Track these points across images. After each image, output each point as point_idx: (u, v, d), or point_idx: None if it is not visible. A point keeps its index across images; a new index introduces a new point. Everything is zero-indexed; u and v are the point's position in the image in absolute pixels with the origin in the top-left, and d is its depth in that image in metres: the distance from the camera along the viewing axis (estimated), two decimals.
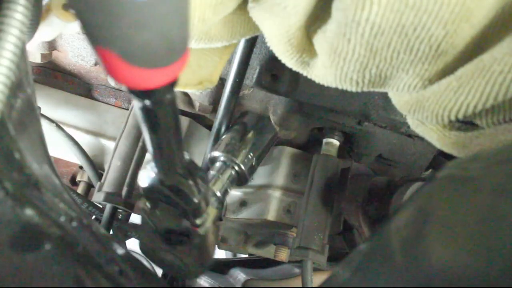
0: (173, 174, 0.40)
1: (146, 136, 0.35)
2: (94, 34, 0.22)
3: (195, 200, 0.41)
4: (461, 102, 0.34)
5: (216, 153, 0.61)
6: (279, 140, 0.82)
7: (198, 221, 0.44)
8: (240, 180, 0.65)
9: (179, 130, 0.35)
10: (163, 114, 0.31)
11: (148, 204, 0.43)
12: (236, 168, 0.62)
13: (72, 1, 0.21)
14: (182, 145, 0.38)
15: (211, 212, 0.47)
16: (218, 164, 0.62)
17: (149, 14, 0.20)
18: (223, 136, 0.62)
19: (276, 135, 0.67)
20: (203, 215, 0.45)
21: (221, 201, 0.61)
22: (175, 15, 0.22)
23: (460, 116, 0.35)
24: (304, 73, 0.43)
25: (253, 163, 0.62)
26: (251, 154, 0.61)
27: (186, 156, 0.41)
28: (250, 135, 0.65)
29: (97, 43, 0.22)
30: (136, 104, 0.30)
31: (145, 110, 0.30)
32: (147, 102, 0.29)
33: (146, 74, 0.24)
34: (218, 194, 0.61)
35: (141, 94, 0.28)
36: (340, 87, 0.41)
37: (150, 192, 0.41)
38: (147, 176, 0.40)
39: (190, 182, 0.41)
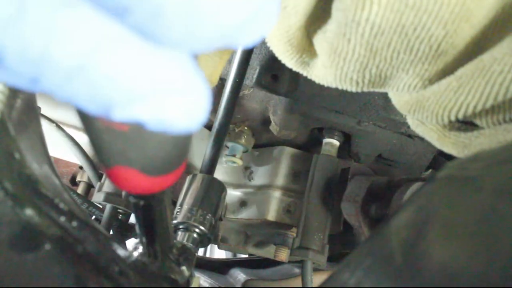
0: (163, 262, 0.43)
1: (140, 230, 0.38)
2: (117, 158, 0.25)
3: (181, 282, 0.44)
4: (461, 102, 0.34)
5: (176, 221, 0.63)
6: (279, 140, 0.82)
7: None
8: (203, 241, 0.64)
9: (169, 222, 0.39)
10: (160, 208, 0.35)
11: None
12: (197, 230, 0.63)
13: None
14: (171, 232, 0.41)
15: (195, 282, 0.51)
16: (180, 232, 0.64)
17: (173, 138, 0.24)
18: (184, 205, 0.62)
19: (224, 190, 0.68)
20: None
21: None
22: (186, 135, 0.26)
23: (460, 116, 0.35)
24: (304, 74, 0.43)
25: (212, 222, 0.64)
26: (209, 214, 0.63)
27: (177, 243, 0.45)
28: (202, 196, 0.65)
29: (117, 163, 0.25)
30: (134, 203, 0.33)
31: (145, 207, 0.34)
32: (148, 201, 0.33)
33: (159, 180, 0.27)
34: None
35: (145, 196, 0.32)
36: (340, 87, 0.41)
37: (144, 275, 0.42)
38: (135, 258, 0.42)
39: (175, 268, 0.44)
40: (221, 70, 0.56)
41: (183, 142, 0.27)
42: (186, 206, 0.63)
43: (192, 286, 0.50)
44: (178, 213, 0.63)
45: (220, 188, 0.66)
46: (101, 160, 0.25)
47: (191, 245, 0.60)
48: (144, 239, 0.40)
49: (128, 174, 0.26)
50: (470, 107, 0.34)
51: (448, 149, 0.42)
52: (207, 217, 0.62)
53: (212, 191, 0.65)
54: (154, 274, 0.39)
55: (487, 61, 0.32)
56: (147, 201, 0.34)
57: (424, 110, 0.38)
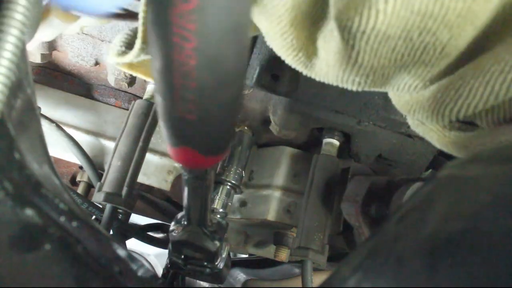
0: (197, 230, 0.55)
1: (188, 200, 0.48)
2: (183, 140, 0.32)
3: (213, 250, 0.57)
4: (461, 102, 0.34)
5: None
6: (279, 140, 0.82)
7: (216, 263, 0.62)
8: (236, 191, 0.81)
9: (210, 198, 0.49)
10: (202, 185, 0.44)
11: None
12: (229, 184, 0.79)
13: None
14: (209, 210, 0.52)
15: (225, 250, 0.64)
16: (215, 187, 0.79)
17: (225, 127, 0.32)
18: None
19: (253, 141, 0.83)
20: (218, 258, 0.62)
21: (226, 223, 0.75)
22: (234, 123, 0.34)
23: (461, 116, 0.35)
24: (304, 72, 0.43)
25: (243, 175, 0.80)
26: (239, 168, 0.79)
27: (214, 219, 0.57)
28: (232, 152, 0.81)
29: (182, 145, 0.32)
30: (189, 177, 0.42)
31: (191, 181, 0.43)
32: (196, 176, 0.41)
33: (209, 160, 0.35)
34: (221, 210, 0.77)
35: (195, 171, 0.40)
36: (341, 86, 0.41)
37: (177, 243, 0.57)
38: (176, 229, 0.56)
39: (215, 242, 0.57)
40: None
41: (232, 132, 0.35)
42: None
43: (224, 254, 0.63)
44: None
45: (247, 139, 0.80)
46: (170, 141, 0.32)
47: (225, 196, 0.77)
48: (188, 213, 0.51)
49: (190, 154, 0.33)
50: (470, 107, 0.34)
51: (448, 149, 0.42)
52: (237, 171, 0.78)
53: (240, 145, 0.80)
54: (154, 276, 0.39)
55: (488, 61, 0.32)
56: (199, 178, 0.42)
57: (424, 110, 0.38)
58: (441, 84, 0.36)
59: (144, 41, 0.41)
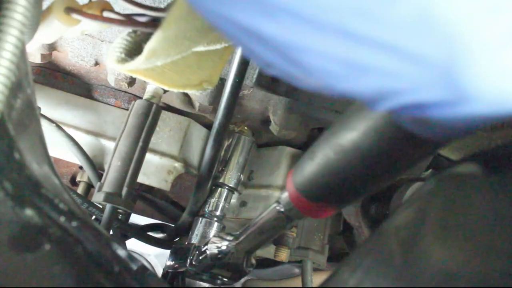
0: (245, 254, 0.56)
1: (266, 230, 0.52)
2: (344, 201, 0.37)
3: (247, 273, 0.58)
4: None
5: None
6: (279, 140, 0.82)
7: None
8: (233, 193, 0.82)
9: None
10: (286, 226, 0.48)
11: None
12: (227, 187, 0.80)
13: None
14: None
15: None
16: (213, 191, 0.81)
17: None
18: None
19: (253, 144, 0.83)
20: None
21: (223, 226, 0.79)
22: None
23: None
24: None
25: (239, 176, 0.81)
26: (238, 172, 0.80)
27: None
28: (229, 154, 0.81)
29: (321, 201, 0.37)
30: (284, 215, 0.46)
31: (287, 222, 0.47)
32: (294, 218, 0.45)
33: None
34: (218, 213, 0.78)
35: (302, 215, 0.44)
36: None
37: (216, 263, 0.58)
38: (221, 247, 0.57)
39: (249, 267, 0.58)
40: (221, 71, 0.56)
41: None
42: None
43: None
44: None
45: (247, 144, 0.81)
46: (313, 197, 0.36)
47: (224, 200, 0.79)
48: (251, 237, 0.54)
49: (329, 210, 0.37)
50: None
51: (445, 152, 0.42)
52: (235, 174, 0.80)
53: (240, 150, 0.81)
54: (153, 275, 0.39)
55: None
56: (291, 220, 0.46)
57: None
58: None
59: (152, 55, 0.41)
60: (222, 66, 0.55)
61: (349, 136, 0.32)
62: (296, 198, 0.37)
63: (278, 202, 0.47)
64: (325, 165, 0.33)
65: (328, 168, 0.34)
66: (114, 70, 0.70)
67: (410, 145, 0.28)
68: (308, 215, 0.40)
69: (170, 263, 0.72)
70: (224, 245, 0.56)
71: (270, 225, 0.47)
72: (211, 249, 0.58)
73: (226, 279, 0.61)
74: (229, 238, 0.57)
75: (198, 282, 0.84)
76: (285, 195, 0.45)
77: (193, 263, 0.64)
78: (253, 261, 0.58)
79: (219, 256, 0.57)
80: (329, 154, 0.32)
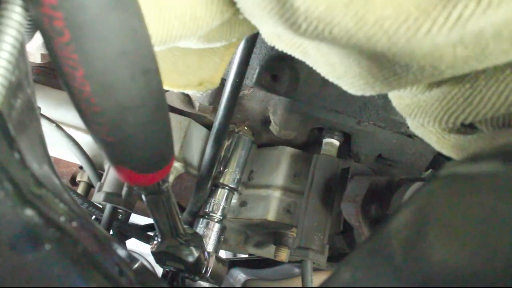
0: (172, 242, 0.57)
1: (153, 215, 0.50)
2: (119, 160, 0.34)
3: (190, 261, 0.59)
4: (470, 110, 0.34)
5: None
6: (279, 140, 0.82)
7: (200, 273, 0.65)
8: (234, 194, 0.82)
9: (175, 210, 0.51)
10: (160, 199, 0.46)
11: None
12: (227, 188, 0.80)
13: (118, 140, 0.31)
14: (178, 220, 0.54)
15: (211, 260, 0.67)
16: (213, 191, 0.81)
17: (152, 146, 0.33)
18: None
19: (252, 143, 0.83)
20: (202, 267, 0.65)
21: (223, 226, 0.78)
22: (164, 140, 0.34)
23: (467, 122, 0.35)
24: (307, 61, 0.42)
25: (239, 176, 0.81)
26: (237, 172, 0.81)
27: (189, 229, 0.60)
28: (229, 155, 0.82)
29: (116, 164, 0.34)
30: (144, 193, 0.44)
31: (148, 198, 0.45)
32: (150, 192, 0.44)
33: (148, 177, 0.36)
34: (219, 214, 0.78)
35: (145, 188, 0.43)
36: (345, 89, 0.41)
37: (157, 255, 0.59)
38: (155, 242, 0.58)
39: (185, 249, 0.59)
40: (222, 72, 0.56)
41: (165, 148, 0.35)
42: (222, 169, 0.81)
43: (211, 263, 0.66)
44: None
45: (245, 142, 0.81)
46: (108, 161, 0.34)
47: (224, 201, 0.79)
48: (158, 227, 0.53)
49: (127, 172, 0.35)
50: (479, 115, 0.34)
51: (447, 151, 0.41)
52: (234, 173, 0.80)
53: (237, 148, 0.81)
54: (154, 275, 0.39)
55: (502, 70, 0.32)
56: (151, 193, 0.45)
57: (426, 115, 0.38)
58: (445, 89, 0.35)
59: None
60: (224, 67, 0.54)
61: None
62: (115, 172, 0.38)
63: None
64: None
65: None
66: None
67: None
68: (132, 183, 0.39)
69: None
70: (153, 245, 0.60)
71: (154, 208, 0.48)
72: (151, 250, 0.61)
73: (187, 272, 0.64)
74: (153, 237, 0.60)
75: (198, 282, 0.84)
76: None
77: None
78: (191, 250, 0.59)
79: (154, 251, 0.60)
80: None
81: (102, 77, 0.26)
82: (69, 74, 0.25)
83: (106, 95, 0.27)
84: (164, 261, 0.61)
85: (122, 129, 0.30)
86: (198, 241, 0.61)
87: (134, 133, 0.31)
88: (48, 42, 0.24)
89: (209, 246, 0.76)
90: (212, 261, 0.67)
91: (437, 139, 0.41)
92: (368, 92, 0.39)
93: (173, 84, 0.51)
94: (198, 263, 0.61)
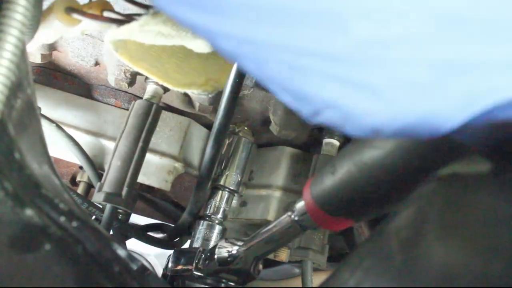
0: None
1: (277, 238, 0.52)
2: (341, 212, 0.38)
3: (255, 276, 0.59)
4: None
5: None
6: (279, 140, 0.82)
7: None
8: (234, 195, 0.82)
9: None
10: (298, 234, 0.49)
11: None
12: (228, 190, 0.79)
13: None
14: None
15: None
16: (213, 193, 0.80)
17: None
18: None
19: (252, 144, 0.82)
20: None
21: (224, 228, 0.79)
22: None
23: None
24: None
25: (240, 178, 0.80)
26: (237, 174, 0.80)
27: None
28: (230, 156, 0.80)
29: (340, 216, 0.38)
30: (299, 226, 0.46)
31: (302, 230, 0.47)
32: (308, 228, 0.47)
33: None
34: (219, 216, 0.77)
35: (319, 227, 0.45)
36: None
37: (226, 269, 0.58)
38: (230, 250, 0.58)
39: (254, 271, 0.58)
40: (229, 72, 0.55)
41: None
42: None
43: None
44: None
45: (245, 144, 0.81)
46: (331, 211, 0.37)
47: (225, 203, 0.78)
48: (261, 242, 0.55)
49: (345, 223, 0.38)
50: None
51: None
52: (233, 175, 0.79)
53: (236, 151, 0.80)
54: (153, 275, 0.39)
55: None
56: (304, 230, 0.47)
57: None
58: None
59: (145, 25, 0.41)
60: (230, 68, 0.54)
61: (374, 154, 0.33)
62: (313, 210, 0.38)
63: (292, 210, 0.47)
64: (348, 181, 0.34)
65: (350, 185, 0.35)
66: (115, 70, 0.70)
67: (439, 157, 0.29)
68: (323, 227, 0.40)
69: (174, 266, 0.72)
70: (234, 249, 0.57)
71: (282, 233, 0.48)
72: (221, 253, 0.58)
73: (232, 283, 0.61)
74: (239, 243, 0.57)
75: (198, 282, 0.84)
76: (301, 204, 0.45)
77: (199, 266, 0.64)
78: (260, 266, 0.58)
79: (228, 260, 0.57)
80: (352, 171, 0.33)
81: None
82: None
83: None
84: (223, 271, 0.60)
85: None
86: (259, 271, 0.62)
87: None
88: None
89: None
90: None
91: None
92: None
93: (178, 83, 0.51)
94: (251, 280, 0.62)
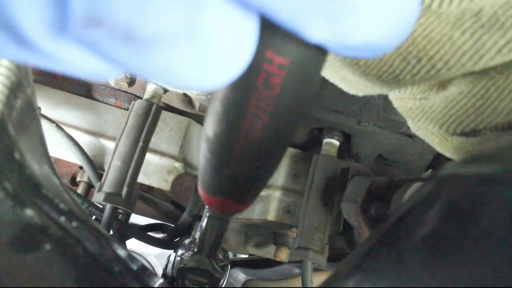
0: (203, 260, 0.59)
1: (205, 233, 0.53)
2: (226, 192, 0.35)
3: (219, 281, 0.60)
4: (481, 119, 0.34)
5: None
6: None
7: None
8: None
9: (223, 237, 0.54)
10: (222, 225, 0.50)
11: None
12: None
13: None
14: (220, 247, 0.56)
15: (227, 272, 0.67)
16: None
17: (265, 181, 0.34)
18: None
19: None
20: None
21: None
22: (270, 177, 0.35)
23: (472, 126, 0.35)
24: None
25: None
26: None
27: (224, 252, 0.62)
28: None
29: (221, 195, 0.35)
30: (213, 216, 0.48)
31: (212, 220, 0.49)
32: (219, 217, 0.48)
33: (243, 207, 0.37)
34: None
35: (226, 215, 0.46)
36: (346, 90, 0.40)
37: (185, 270, 0.60)
38: (184, 255, 0.59)
39: (220, 273, 0.60)
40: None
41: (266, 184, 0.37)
42: None
43: (226, 275, 0.64)
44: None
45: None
46: (209, 190, 0.35)
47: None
48: (201, 243, 0.55)
49: (227, 203, 0.36)
50: (490, 123, 0.33)
51: (449, 154, 0.41)
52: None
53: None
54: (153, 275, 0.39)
55: None
56: (219, 219, 0.48)
57: (429, 119, 0.38)
58: (453, 97, 0.35)
59: None
60: None
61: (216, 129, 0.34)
62: (205, 199, 0.38)
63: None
64: (202, 158, 0.34)
65: (204, 161, 0.34)
66: None
67: None
68: (223, 212, 0.40)
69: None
70: (184, 254, 0.60)
71: (212, 230, 0.51)
72: (175, 258, 0.61)
73: (206, 285, 0.64)
74: (186, 247, 0.60)
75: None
76: None
77: (167, 270, 0.67)
78: (224, 262, 0.60)
79: (181, 265, 0.60)
80: (203, 147, 0.33)
81: (279, 125, 0.27)
82: (248, 121, 0.26)
83: (272, 140, 0.28)
84: (186, 275, 0.61)
85: (257, 166, 0.31)
86: (227, 265, 0.62)
87: (264, 170, 0.32)
88: (242, 91, 0.25)
89: None
90: (227, 273, 0.68)
91: (439, 141, 0.41)
92: (369, 93, 0.39)
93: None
94: (221, 278, 0.63)
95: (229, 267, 0.63)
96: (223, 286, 0.63)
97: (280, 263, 0.99)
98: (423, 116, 0.38)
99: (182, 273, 0.62)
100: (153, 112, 0.72)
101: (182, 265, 0.60)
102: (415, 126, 0.43)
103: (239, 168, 0.31)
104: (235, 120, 0.27)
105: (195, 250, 0.58)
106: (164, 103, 0.80)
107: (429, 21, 0.30)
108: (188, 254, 0.59)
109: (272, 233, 0.89)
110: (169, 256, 0.67)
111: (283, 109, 0.25)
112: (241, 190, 0.34)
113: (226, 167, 0.32)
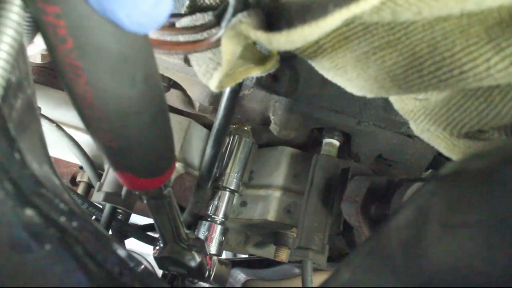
0: (174, 247, 0.57)
1: (156, 220, 0.50)
2: (121, 165, 0.35)
3: (193, 266, 0.59)
4: (484, 122, 0.34)
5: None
6: (279, 140, 0.82)
7: (203, 277, 0.65)
8: (235, 195, 0.82)
9: (177, 214, 0.51)
10: (163, 203, 0.46)
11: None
12: (228, 190, 0.80)
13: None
14: (181, 225, 0.54)
15: (214, 264, 0.68)
16: (214, 193, 0.81)
17: (153, 151, 0.34)
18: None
19: (252, 144, 0.83)
20: (206, 271, 0.65)
21: (226, 228, 0.80)
22: (165, 146, 0.35)
23: (476, 128, 0.35)
24: (312, 63, 0.41)
25: (240, 178, 0.81)
26: (238, 174, 0.81)
27: (191, 234, 0.61)
28: (230, 156, 0.81)
29: (119, 169, 0.35)
30: (146, 198, 0.45)
31: (150, 202, 0.46)
32: (152, 197, 0.45)
33: (150, 182, 0.37)
34: (220, 216, 0.79)
35: (147, 193, 0.44)
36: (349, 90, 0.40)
37: (159, 260, 0.60)
38: (157, 247, 0.59)
39: (188, 254, 0.59)
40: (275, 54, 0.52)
41: (168, 153, 0.36)
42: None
43: (214, 267, 0.66)
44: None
45: (246, 144, 0.82)
46: (110, 166, 0.35)
47: (226, 203, 0.79)
48: (160, 233, 0.54)
49: (129, 177, 0.36)
50: (494, 124, 0.33)
51: (458, 158, 0.40)
52: (235, 176, 0.80)
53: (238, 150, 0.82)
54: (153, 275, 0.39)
55: None
56: (153, 198, 0.45)
57: (431, 120, 0.37)
58: (455, 100, 0.35)
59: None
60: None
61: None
62: (120, 180, 0.39)
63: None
64: None
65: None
66: None
67: None
68: (134, 188, 0.39)
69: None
70: (155, 248, 0.61)
71: (155, 212, 0.49)
72: (153, 255, 0.62)
73: (191, 277, 0.66)
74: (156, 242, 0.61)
75: (198, 282, 0.84)
76: None
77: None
78: (188, 242, 0.59)
79: (157, 256, 0.60)
80: None
81: (104, 83, 0.26)
82: (72, 80, 0.26)
83: (108, 101, 0.27)
84: (167, 266, 0.62)
85: (124, 135, 0.30)
86: (200, 245, 0.61)
87: (136, 138, 0.31)
88: (52, 50, 0.25)
89: (212, 248, 0.76)
90: (215, 265, 0.68)
91: (445, 145, 0.40)
92: (379, 95, 0.38)
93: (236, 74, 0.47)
94: (201, 267, 0.62)
95: (202, 242, 0.63)
96: (207, 253, 0.63)
97: (280, 263, 0.99)
98: (425, 117, 0.38)
99: (162, 266, 0.63)
100: None
101: (155, 258, 0.61)
102: (418, 129, 0.42)
103: (107, 138, 0.30)
104: (64, 83, 0.27)
105: (161, 244, 0.59)
106: None
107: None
108: (158, 247, 0.60)
109: (272, 233, 0.89)
110: None
111: (95, 62, 0.25)
112: (131, 162, 0.34)
113: (98, 138, 0.31)
